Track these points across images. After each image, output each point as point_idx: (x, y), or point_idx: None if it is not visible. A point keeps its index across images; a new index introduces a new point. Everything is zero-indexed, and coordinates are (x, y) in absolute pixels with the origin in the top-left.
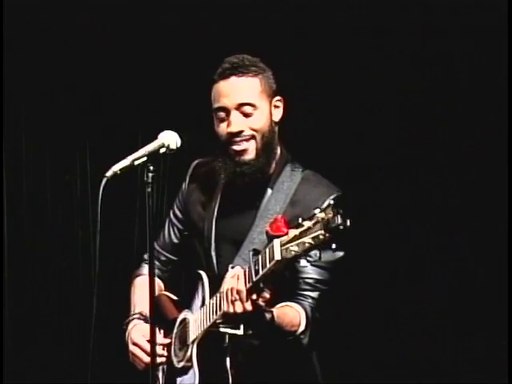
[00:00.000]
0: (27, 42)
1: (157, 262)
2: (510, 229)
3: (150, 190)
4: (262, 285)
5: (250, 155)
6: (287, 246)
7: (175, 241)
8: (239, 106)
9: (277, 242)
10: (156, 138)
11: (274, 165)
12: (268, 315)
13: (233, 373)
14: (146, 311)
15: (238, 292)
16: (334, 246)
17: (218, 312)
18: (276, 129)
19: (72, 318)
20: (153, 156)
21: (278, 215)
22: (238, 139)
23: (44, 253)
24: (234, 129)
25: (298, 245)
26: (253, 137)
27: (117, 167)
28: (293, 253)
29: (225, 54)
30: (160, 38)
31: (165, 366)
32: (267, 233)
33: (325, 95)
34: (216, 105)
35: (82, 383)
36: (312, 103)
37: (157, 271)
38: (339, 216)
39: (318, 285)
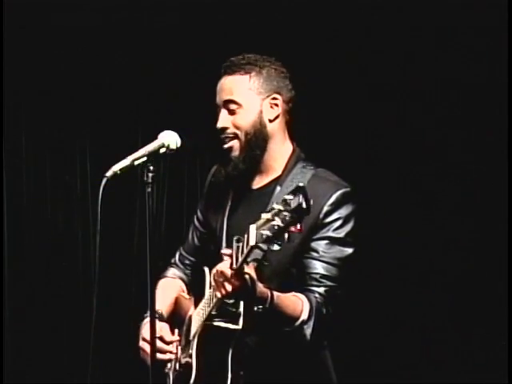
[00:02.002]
0: (27, 42)
1: (182, 266)
2: (510, 229)
3: (149, 190)
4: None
5: (235, 153)
6: (260, 230)
7: (197, 244)
8: (225, 103)
9: (252, 227)
10: (156, 137)
11: (284, 163)
12: (266, 291)
13: (234, 369)
14: (163, 310)
15: (223, 273)
16: (298, 226)
17: (211, 303)
18: (270, 127)
19: (72, 318)
20: (153, 156)
21: None
22: (223, 136)
23: (44, 253)
24: (218, 125)
25: (268, 228)
26: (236, 135)
27: (117, 167)
28: (264, 236)
29: (225, 53)
30: (160, 37)
31: (175, 364)
32: None
33: (338, 95)
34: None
35: (82, 383)
36: (325, 103)
37: (182, 275)
38: (301, 196)
39: (324, 280)
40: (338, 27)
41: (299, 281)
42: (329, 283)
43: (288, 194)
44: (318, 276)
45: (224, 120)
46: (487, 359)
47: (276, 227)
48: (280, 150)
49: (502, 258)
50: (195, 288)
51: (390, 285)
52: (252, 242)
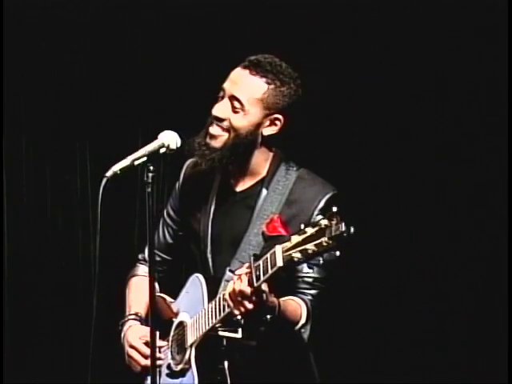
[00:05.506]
0: (27, 42)
1: None
2: (510, 229)
3: (149, 190)
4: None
5: (217, 144)
6: (289, 252)
7: (170, 241)
8: (232, 97)
9: (279, 249)
10: (156, 138)
11: (267, 165)
12: (275, 300)
13: (231, 375)
14: (142, 312)
15: (242, 292)
16: (337, 253)
17: (218, 316)
18: (261, 139)
19: (72, 319)
20: (153, 156)
21: (273, 215)
22: (216, 123)
23: (44, 253)
24: (214, 112)
25: (301, 251)
26: (228, 130)
27: (117, 167)
28: (295, 259)
29: (225, 53)
30: (160, 37)
31: (161, 368)
32: (263, 234)
33: (320, 92)
34: (223, 84)
35: (82, 383)
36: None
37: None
38: (343, 223)
39: (316, 283)
40: (329, 27)
41: (289, 283)
42: (320, 285)
43: (323, 218)
44: (310, 280)
45: (223, 111)
46: (487, 359)
47: (310, 251)
48: (264, 156)
49: (502, 257)
50: (168, 286)
51: (389, 283)
52: (280, 264)
